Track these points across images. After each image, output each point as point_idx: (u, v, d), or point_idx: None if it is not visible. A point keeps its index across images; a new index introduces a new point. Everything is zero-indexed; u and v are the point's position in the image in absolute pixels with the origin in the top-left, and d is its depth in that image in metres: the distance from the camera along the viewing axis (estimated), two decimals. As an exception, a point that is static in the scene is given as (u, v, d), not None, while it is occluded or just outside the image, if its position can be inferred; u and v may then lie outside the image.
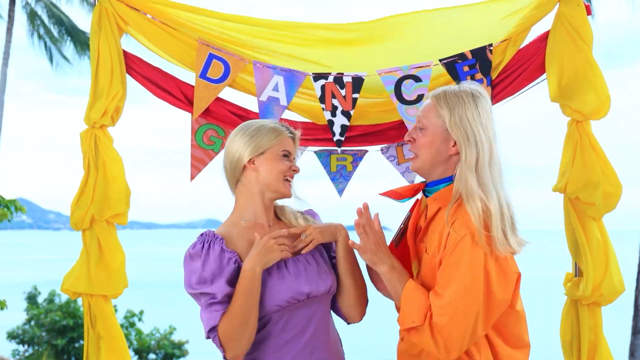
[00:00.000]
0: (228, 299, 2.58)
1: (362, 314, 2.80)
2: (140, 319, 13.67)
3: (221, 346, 2.56)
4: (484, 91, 2.64)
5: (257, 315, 2.58)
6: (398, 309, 2.61)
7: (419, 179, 2.85)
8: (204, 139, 3.89)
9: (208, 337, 2.60)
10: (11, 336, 13.11)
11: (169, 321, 14.75)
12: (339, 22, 3.89)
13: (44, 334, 12.77)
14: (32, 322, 13.08)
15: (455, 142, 2.58)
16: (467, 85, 2.66)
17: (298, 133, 2.84)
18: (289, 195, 2.79)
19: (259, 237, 2.63)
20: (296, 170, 2.79)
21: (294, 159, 2.81)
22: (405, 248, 2.81)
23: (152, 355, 13.61)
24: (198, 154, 3.89)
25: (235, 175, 2.78)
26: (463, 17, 3.79)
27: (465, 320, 2.42)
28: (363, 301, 2.79)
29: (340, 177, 4.00)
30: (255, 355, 2.65)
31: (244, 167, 2.75)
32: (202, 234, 2.69)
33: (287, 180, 2.77)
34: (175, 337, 13.88)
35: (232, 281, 2.60)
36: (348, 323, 2.84)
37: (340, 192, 4.01)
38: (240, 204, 2.79)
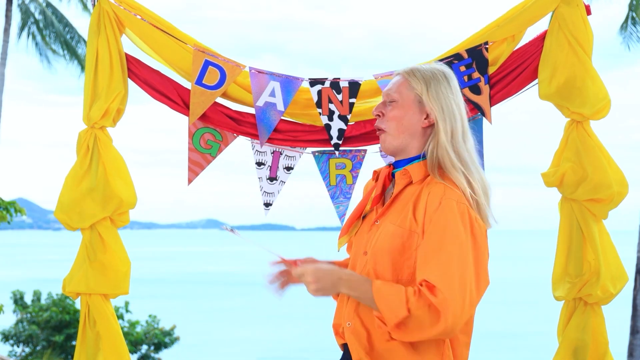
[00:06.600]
0: None
1: None
2: (127, 310, 13.46)
3: None
4: (452, 72, 2.62)
5: None
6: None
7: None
8: (201, 142, 3.91)
9: None
10: (5, 337, 13.01)
11: (154, 312, 14.46)
12: None
13: (38, 332, 12.66)
14: (24, 322, 12.97)
15: (427, 115, 2.55)
16: (437, 64, 2.63)
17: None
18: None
19: None
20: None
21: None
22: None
23: (144, 346, 13.52)
24: (195, 158, 3.91)
25: None
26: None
27: (464, 286, 2.33)
28: None
29: (340, 194, 3.97)
30: None
31: None
32: None
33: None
34: (160, 326, 13.81)
35: None
36: None
37: (341, 216, 3.98)
38: None
